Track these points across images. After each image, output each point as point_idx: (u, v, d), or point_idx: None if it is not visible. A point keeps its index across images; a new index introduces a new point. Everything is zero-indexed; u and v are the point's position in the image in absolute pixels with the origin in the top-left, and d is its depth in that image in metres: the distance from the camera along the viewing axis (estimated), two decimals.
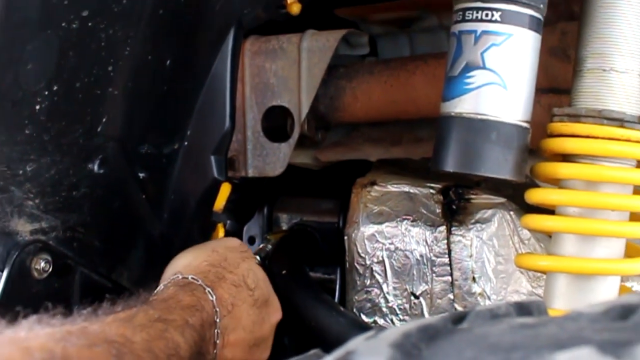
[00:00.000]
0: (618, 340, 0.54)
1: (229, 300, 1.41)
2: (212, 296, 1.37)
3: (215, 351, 1.35)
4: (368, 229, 1.82)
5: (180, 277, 1.40)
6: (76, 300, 1.51)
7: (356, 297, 1.85)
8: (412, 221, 1.79)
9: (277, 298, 1.61)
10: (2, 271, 1.38)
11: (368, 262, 1.82)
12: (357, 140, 1.92)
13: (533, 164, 1.35)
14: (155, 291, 1.40)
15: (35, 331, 1.00)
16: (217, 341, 1.35)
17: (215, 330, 1.36)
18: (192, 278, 1.39)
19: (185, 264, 1.47)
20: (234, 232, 2.11)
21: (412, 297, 1.79)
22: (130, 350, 1.08)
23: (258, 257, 1.89)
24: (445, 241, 1.74)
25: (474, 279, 1.71)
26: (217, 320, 1.36)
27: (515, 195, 1.76)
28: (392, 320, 1.82)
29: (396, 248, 1.80)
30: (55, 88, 1.35)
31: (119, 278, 1.61)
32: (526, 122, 1.31)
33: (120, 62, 1.47)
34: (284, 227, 2.19)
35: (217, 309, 1.36)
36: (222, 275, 1.45)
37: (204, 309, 1.33)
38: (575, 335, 0.57)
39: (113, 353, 1.04)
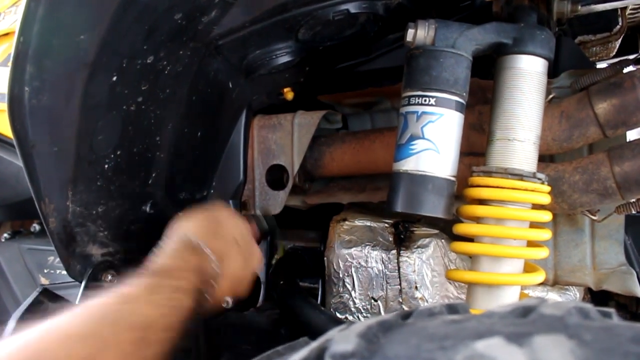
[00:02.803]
0: (520, 332, 0.54)
1: (221, 251, 1.33)
2: (207, 249, 1.30)
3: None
4: (341, 252, 1.81)
5: (185, 237, 1.30)
6: None
7: (333, 301, 1.83)
8: (372, 246, 1.78)
9: (258, 248, 1.55)
10: (81, 282, 1.37)
11: (341, 275, 1.81)
12: (333, 189, 1.91)
13: (458, 206, 1.35)
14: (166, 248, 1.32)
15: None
16: (217, 272, 1.29)
17: (214, 269, 1.29)
18: (195, 240, 1.31)
19: (189, 227, 1.36)
20: None
21: (372, 301, 1.78)
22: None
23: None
24: (396, 261, 1.73)
25: (416, 287, 1.70)
26: (214, 265, 1.30)
27: (445, 228, 1.75)
28: (358, 317, 1.81)
29: (361, 265, 1.79)
30: (118, 152, 1.35)
31: None
32: (453, 176, 1.31)
33: (165, 134, 1.47)
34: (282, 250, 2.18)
35: (213, 258, 1.30)
36: (216, 231, 1.37)
37: (204, 261, 1.28)
38: (490, 328, 0.57)
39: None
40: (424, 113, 1.29)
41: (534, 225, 1.34)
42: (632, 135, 1.49)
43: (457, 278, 1.38)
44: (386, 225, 1.80)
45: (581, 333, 0.53)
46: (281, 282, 1.84)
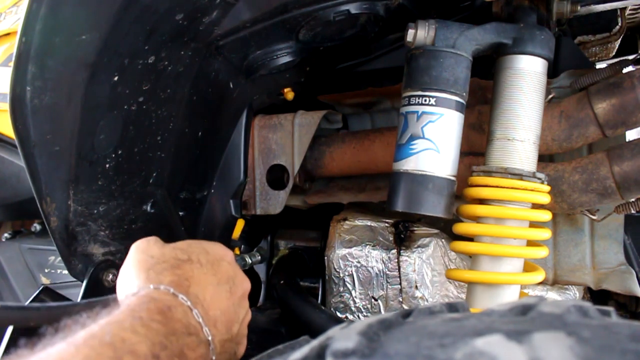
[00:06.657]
0: (520, 329, 0.54)
1: (202, 296, 0.99)
2: (186, 301, 0.94)
3: (206, 329, 0.93)
4: (341, 251, 1.81)
5: (152, 287, 0.95)
6: None
7: (333, 300, 1.83)
8: (372, 246, 1.78)
9: (242, 273, 1.13)
10: (82, 281, 1.37)
11: (341, 275, 1.81)
12: (333, 188, 1.92)
13: (458, 206, 1.35)
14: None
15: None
16: (200, 320, 0.92)
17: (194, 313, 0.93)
18: (164, 289, 0.95)
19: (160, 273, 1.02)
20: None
21: (373, 300, 1.78)
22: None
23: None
24: (396, 260, 1.73)
25: (416, 287, 1.71)
26: (195, 313, 0.93)
27: (445, 228, 1.76)
28: (358, 316, 1.81)
29: (361, 265, 1.79)
30: (119, 152, 1.35)
31: None
32: (453, 176, 1.31)
33: (166, 134, 1.47)
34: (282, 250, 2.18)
35: (191, 307, 0.95)
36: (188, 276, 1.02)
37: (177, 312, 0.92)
38: (489, 326, 0.57)
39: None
40: (424, 113, 1.30)
41: (533, 224, 1.35)
42: (631, 135, 1.49)
43: (457, 277, 1.38)
44: (386, 224, 1.80)
45: (580, 330, 0.53)
46: (281, 282, 1.85)
